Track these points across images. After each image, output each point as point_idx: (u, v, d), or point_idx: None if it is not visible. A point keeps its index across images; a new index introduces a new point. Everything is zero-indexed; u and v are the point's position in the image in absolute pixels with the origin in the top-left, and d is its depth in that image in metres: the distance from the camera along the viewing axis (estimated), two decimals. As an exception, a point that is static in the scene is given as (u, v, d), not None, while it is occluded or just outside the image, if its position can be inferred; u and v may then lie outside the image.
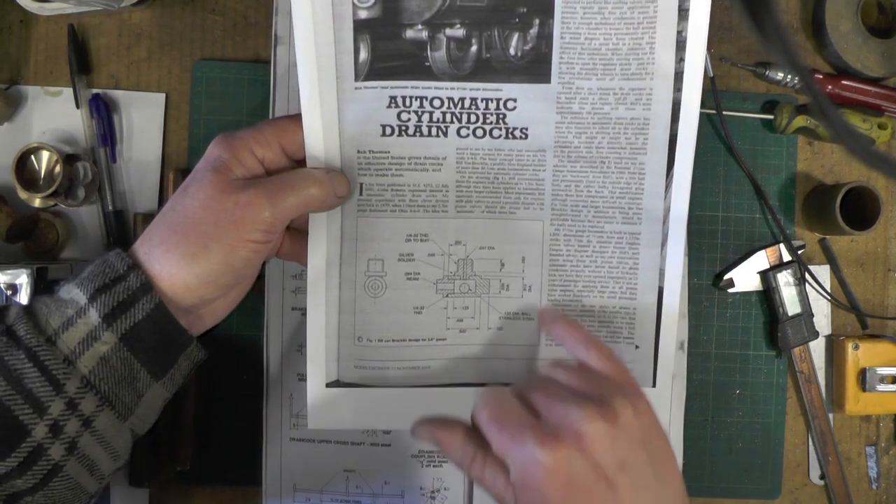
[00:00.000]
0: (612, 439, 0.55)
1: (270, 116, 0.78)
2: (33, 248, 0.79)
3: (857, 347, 0.82)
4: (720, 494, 0.84)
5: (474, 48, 0.64)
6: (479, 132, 0.67)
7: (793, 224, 0.85)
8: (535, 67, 0.65)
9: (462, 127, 0.67)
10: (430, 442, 0.64)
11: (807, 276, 0.82)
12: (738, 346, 0.84)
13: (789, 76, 0.83)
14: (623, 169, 0.69)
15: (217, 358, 0.78)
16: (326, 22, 0.62)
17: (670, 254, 0.70)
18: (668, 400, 0.74)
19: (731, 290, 0.83)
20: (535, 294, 0.71)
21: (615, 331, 0.72)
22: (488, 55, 0.65)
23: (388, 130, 0.66)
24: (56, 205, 0.79)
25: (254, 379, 0.80)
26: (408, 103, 0.65)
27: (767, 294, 0.83)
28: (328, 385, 0.70)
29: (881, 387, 0.82)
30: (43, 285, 0.72)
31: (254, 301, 0.78)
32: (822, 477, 0.84)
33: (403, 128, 0.66)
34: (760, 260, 0.83)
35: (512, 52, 0.65)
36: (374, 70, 0.64)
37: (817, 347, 0.84)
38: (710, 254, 0.84)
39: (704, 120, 0.83)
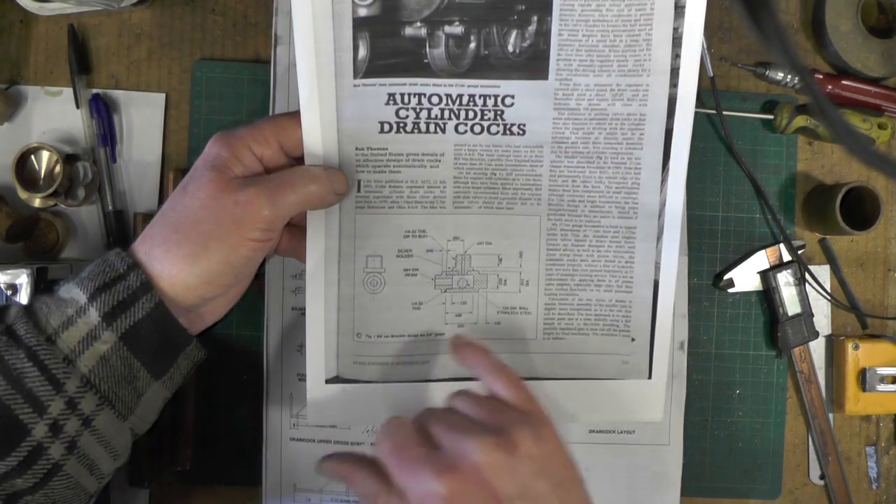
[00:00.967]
0: (510, 469, 0.55)
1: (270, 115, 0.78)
2: (33, 248, 0.79)
3: (857, 347, 0.82)
4: (720, 494, 0.84)
5: (473, 45, 0.64)
6: (477, 128, 0.67)
7: (793, 224, 0.85)
8: (533, 64, 0.66)
9: (460, 123, 0.67)
10: (335, 480, 0.64)
11: (807, 276, 0.82)
12: (738, 346, 0.84)
13: (789, 76, 0.83)
14: (619, 164, 0.69)
15: (217, 358, 0.78)
16: (326, 19, 0.62)
17: (666, 247, 0.70)
18: (664, 391, 0.74)
19: (731, 290, 0.83)
20: (532, 288, 0.71)
21: (611, 324, 0.72)
22: (486, 52, 0.65)
23: (387, 127, 0.66)
24: (56, 205, 0.79)
25: (254, 379, 0.80)
26: (406, 100, 0.66)
27: (767, 294, 0.83)
28: (327, 381, 0.70)
29: (881, 387, 0.82)
30: (43, 285, 0.72)
31: (254, 301, 0.78)
32: (822, 477, 0.84)
33: (402, 124, 0.66)
34: (760, 260, 0.83)
35: (510, 49, 0.65)
36: (373, 67, 0.64)
37: (817, 347, 0.84)
38: (710, 254, 0.84)
39: (704, 120, 0.83)
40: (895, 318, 0.85)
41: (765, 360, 0.84)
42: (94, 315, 0.58)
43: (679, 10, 0.65)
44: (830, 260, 0.85)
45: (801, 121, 0.81)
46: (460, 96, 0.66)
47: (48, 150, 0.76)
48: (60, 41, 0.80)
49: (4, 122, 0.80)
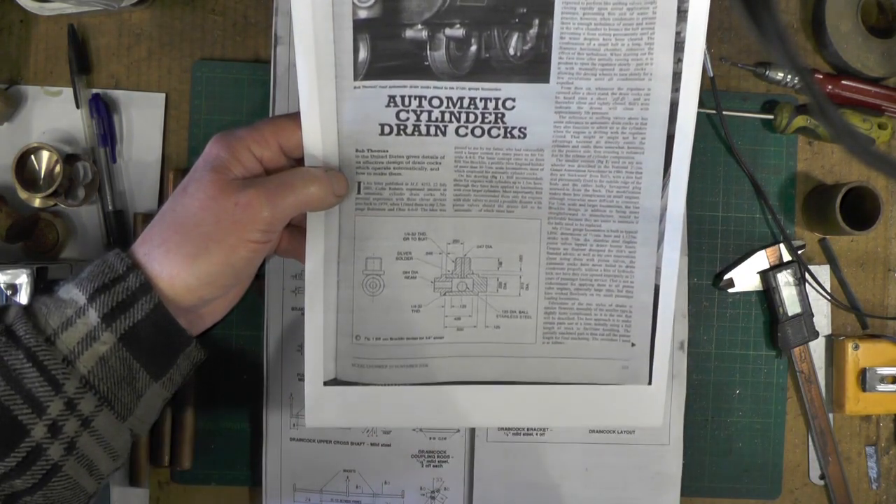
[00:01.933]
0: None
1: (270, 116, 0.78)
2: (33, 248, 0.79)
3: (857, 347, 0.82)
4: (720, 494, 0.84)
5: (473, 48, 0.64)
6: (478, 131, 0.67)
7: (793, 224, 0.85)
8: (534, 67, 0.65)
9: (460, 126, 0.67)
10: None
11: (807, 276, 0.82)
12: (738, 346, 0.84)
13: (789, 76, 0.83)
14: (620, 168, 0.69)
15: (217, 358, 0.78)
16: (326, 21, 0.62)
17: (667, 252, 0.70)
18: (663, 397, 0.74)
19: (731, 290, 0.83)
20: (532, 292, 0.71)
21: (611, 329, 0.72)
22: (487, 55, 0.65)
23: (387, 129, 0.66)
24: (56, 205, 0.79)
25: (254, 379, 0.80)
26: (406, 102, 0.65)
27: (767, 294, 0.83)
28: (326, 383, 0.70)
29: (881, 387, 0.82)
30: (43, 285, 0.72)
31: (254, 301, 0.78)
32: (822, 477, 0.84)
33: (402, 127, 0.66)
34: (760, 260, 0.83)
35: (511, 51, 0.65)
36: (374, 69, 0.64)
37: (817, 347, 0.84)
38: (710, 254, 0.84)
39: (704, 120, 0.83)
40: (895, 318, 0.85)
41: (765, 360, 0.84)
42: (93, 316, 0.57)
43: (681, 14, 0.65)
44: (830, 260, 0.85)
45: (801, 121, 0.81)
46: (461, 99, 0.66)
47: (48, 150, 0.77)
48: (60, 41, 0.80)
49: (4, 122, 0.80)
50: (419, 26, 0.63)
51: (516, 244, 0.70)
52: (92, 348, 0.57)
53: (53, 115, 0.81)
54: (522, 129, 0.67)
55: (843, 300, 0.85)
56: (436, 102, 0.66)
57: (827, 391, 0.84)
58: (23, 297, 0.71)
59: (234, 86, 0.81)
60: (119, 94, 0.81)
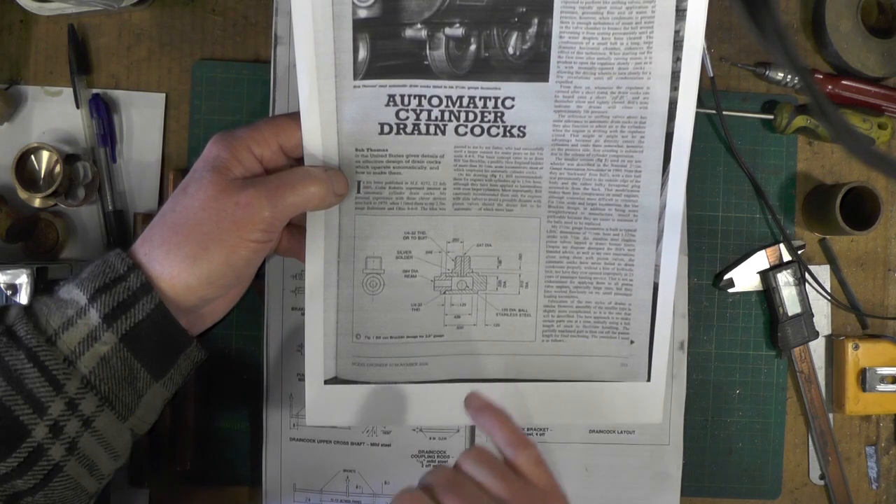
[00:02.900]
0: None
1: (270, 116, 0.78)
2: (33, 248, 0.79)
3: (857, 347, 0.82)
4: (720, 494, 0.84)
5: (473, 47, 0.64)
6: (477, 130, 0.67)
7: (793, 224, 0.85)
8: (534, 66, 0.66)
9: (460, 125, 0.67)
10: None
11: (807, 276, 0.82)
12: (738, 346, 0.84)
13: (789, 76, 0.83)
14: (620, 167, 0.69)
15: (217, 358, 0.78)
16: (326, 21, 0.62)
17: (666, 250, 0.70)
18: (662, 394, 0.74)
19: (731, 290, 0.83)
20: (531, 290, 0.71)
21: (610, 326, 0.72)
22: (487, 54, 0.65)
23: (387, 129, 0.66)
24: (56, 205, 0.79)
25: (254, 379, 0.80)
26: (406, 102, 0.65)
27: (767, 294, 0.83)
28: (326, 382, 0.70)
29: (881, 387, 0.82)
30: (43, 285, 0.72)
31: (254, 301, 0.78)
32: (822, 477, 0.84)
33: (402, 126, 0.66)
34: (760, 260, 0.83)
35: (511, 51, 0.65)
36: (373, 69, 0.64)
37: (817, 347, 0.84)
38: (710, 254, 0.84)
39: (704, 120, 0.83)
40: (895, 318, 0.85)
41: (765, 360, 0.84)
42: (94, 316, 0.58)
43: (680, 13, 0.65)
44: (830, 260, 0.85)
45: (801, 121, 0.81)
46: (460, 98, 0.66)
47: (48, 150, 0.76)
48: (60, 41, 0.80)
49: (4, 122, 0.80)
50: (419, 25, 0.63)
51: (516, 242, 0.71)
52: (93, 348, 0.58)
53: (53, 115, 0.80)
54: (522, 128, 0.67)
55: (843, 300, 0.85)
56: (435, 101, 0.66)
57: (827, 391, 0.84)
58: (23, 297, 0.71)
59: (234, 86, 0.81)
60: (119, 94, 0.81)
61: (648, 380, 0.73)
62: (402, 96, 0.65)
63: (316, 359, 0.69)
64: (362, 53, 0.64)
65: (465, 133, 0.67)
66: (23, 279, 0.71)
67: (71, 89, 0.80)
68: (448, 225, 0.70)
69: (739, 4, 0.51)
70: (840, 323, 0.85)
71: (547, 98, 0.66)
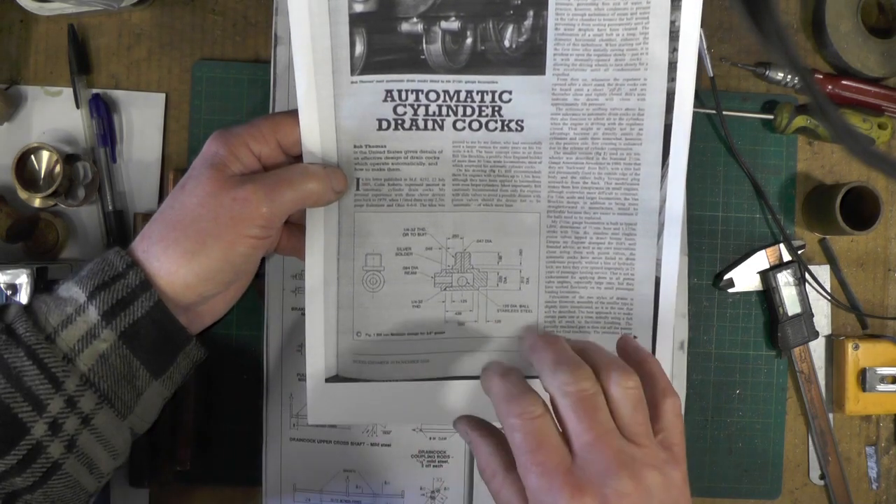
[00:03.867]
0: None
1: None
2: (33, 248, 0.79)
3: (857, 347, 0.82)
4: (720, 494, 0.84)
5: (469, 41, 0.64)
6: (475, 125, 0.67)
7: (793, 224, 0.85)
8: (530, 59, 0.66)
9: (458, 120, 0.67)
10: (465, 440, 0.63)
11: (807, 276, 0.82)
12: (738, 346, 0.84)
13: (789, 76, 0.83)
14: (619, 160, 0.69)
15: (217, 358, 0.78)
16: (322, 16, 0.62)
17: (667, 243, 0.70)
18: None
19: (731, 290, 0.83)
20: (532, 286, 0.71)
21: (612, 321, 0.72)
22: (483, 48, 0.65)
23: (385, 124, 0.66)
24: (56, 205, 0.79)
25: (254, 379, 0.80)
26: (404, 97, 0.66)
27: (767, 294, 0.83)
28: (327, 380, 0.70)
29: (881, 387, 0.82)
30: (43, 285, 0.73)
31: (254, 301, 0.78)
32: (822, 477, 0.84)
33: (400, 121, 0.66)
34: (760, 260, 0.83)
35: (507, 44, 0.65)
36: (370, 64, 0.64)
37: (817, 347, 0.84)
38: (710, 254, 0.84)
39: (704, 120, 0.83)
40: (895, 318, 0.85)
41: (765, 360, 0.84)
42: (93, 313, 0.58)
43: (675, 3, 0.65)
44: (830, 260, 0.85)
45: (801, 121, 0.81)
46: (458, 92, 0.66)
47: (48, 150, 0.77)
48: (60, 41, 0.81)
49: (4, 122, 0.80)
50: (415, 19, 0.63)
51: (516, 238, 0.70)
52: (92, 346, 0.58)
53: (53, 115, 0.81)
54: (520, 122, 0.67)
55: (843, 300, 0.85)
56: (433, 96, 0.66)
57: (827, 391, 0.84)
58: (23, 297, 0.71)
59: (234, 86, 0.81)
60: (119, 94, 0.81)
61: None
62: (400, 91, 0.65)
63: (317, 357, 0.69)
64: (359, 48, 0.64)
65: (464, 128, 0.67)
66: (23, 279, 0.71)
67: (71, 89, 0.80)
68: (448, 221, 0.70)
69: (739, 4, 0.51)
70: (840, 323, 0.85)
71: (544, 91, 0.67)
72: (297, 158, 0.65)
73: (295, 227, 0.68)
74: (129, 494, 0.80)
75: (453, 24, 0.64)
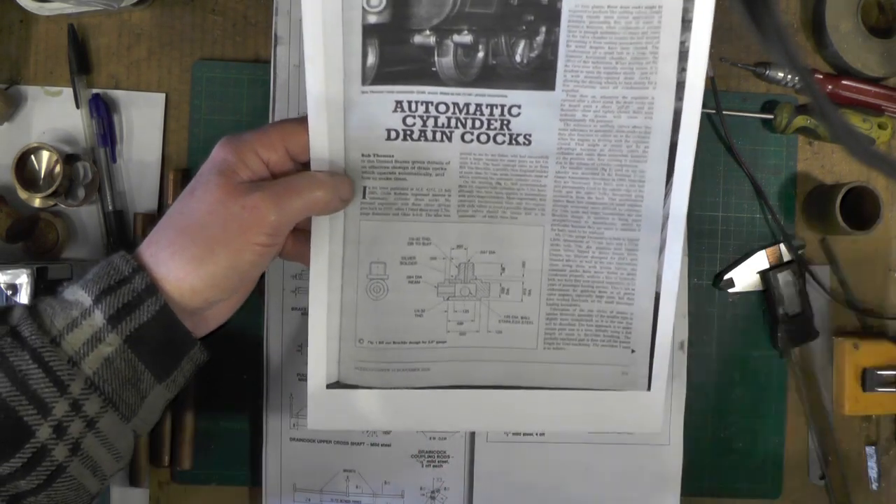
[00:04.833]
0: None
1: (270, 116, 0.78)
2: (33, 248, 0.79)
3: (857, 347, 0.82)
4: (720, 494, 0.84)
5: (481, 55, 0.64)
6: (483, 138, 0.67)
7: (793, 224, 0.85)
8: (540, 75, 0.65)
9: (466, 132, 0.67)
10: None
11: (807, 276, 0.83)
12: (739, 346, 0.84)
13: (789, 76, 0.83)
14: (624, 176, 0.69)
15: (217, 358, 0.78)
16: (336, 26, 0.62)
17: (668, 260, 0.70)
18: (662, 403, 0.74)
19: (731, 290, 0.83)
20: (534, 298, 0.71)
21: (612, 335, 0.72)
22: (494, 62, 0.65)
23: (393, 135, 0.66)
24: (56, 205, 0.79)
25: (254, 379, 0.80)
26: (413, 108, 0.65)
27: (767, 294, 0.83)
28: (329, 386, 0.70)
29: (881, 387, 0.82)
30: (43, 285, 0.72)
31: (254, 301, 0.78)
32: (822, 477, 0.84)
33: (408, 132, 0.66)
34: (760, 260, 0.83)
35: (518, 59, 0.65)
36: (381, 74, 0.64)
37: (817, 347, 0.84)
38: (710, 254, 0.84)
39: (705, 120, 0.83)
40: (895, 318, 0.85)
41: (765, 360, 0.84)
42: (99, 317, 0.57)
43: (686, 24, 0.65)
44: (830, 260, 0.85)
45: (801, 121, 0.81)
46: (467, 105, 0.66)
47: (48, 150, 0.76)
48: (60, 41, 0.80)
49: (4, 122, 0.80)
50: (427, 32, 0.63)
51: (519, 250, 0.70)
52: (97, 349, 0.57)
53: (53, 115, 0.80)
54: (527, 136, 0.67)
55: (843, 300, 0.85)
56: (442, 108, 0.66)
57: (827, 391, 0.84)
58: (23, 297, 0.71)
59: (234, 86, 0.81)
60: (119, 94, 0.81)
61: (648, 389, 0.73)
62: (410, 102, 0.65)
63: (318, 363, 0.69)
64: (371, 59, 0.63)
65: (472, 140, 0.67)
66: (23, 279, 0.71)
67: (71, 89, 0.80)
68: (452, 231, 0.69)
69: (739, 4, 0.51)
70: (840, 323, 0.86)
71: (553, 106, 0.66)
72: (305, 165, 0.65)
73: (300, 232, 0.68)
74: (129, 494, 0.80)
75: (466, 38, 0.64)
